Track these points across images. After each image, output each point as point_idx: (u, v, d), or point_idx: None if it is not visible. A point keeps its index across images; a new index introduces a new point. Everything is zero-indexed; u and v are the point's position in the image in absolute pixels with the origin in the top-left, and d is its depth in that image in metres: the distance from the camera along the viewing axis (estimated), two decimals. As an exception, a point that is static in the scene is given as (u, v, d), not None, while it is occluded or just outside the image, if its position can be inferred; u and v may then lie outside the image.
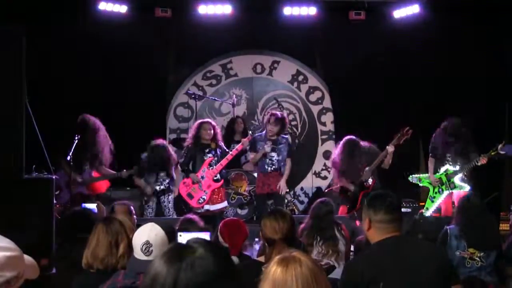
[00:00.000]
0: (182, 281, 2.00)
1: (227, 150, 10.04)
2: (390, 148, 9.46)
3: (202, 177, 9.91)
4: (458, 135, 9.45)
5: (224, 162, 9.89)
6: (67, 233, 5.58)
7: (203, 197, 9.87)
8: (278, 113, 10.21)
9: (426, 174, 9.87)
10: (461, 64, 11.76)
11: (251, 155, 10.19)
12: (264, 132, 10.04)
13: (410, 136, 9.55)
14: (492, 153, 9.10)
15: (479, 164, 9.19)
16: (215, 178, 9.92)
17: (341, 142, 9.73)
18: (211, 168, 9.91)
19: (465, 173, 9.43)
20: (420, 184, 9.94)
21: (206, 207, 9.89)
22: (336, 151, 9.81)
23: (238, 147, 10.00)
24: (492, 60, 11.81)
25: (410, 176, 9.94)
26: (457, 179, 9.40)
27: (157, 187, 9.91)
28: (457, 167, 9.40)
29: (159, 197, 9.93)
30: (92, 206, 7.12)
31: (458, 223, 6.70)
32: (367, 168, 9.63)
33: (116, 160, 10.06)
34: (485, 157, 9.11)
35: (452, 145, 9.51)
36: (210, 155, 9.93)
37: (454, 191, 9.43)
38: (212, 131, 9.88)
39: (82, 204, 7.59)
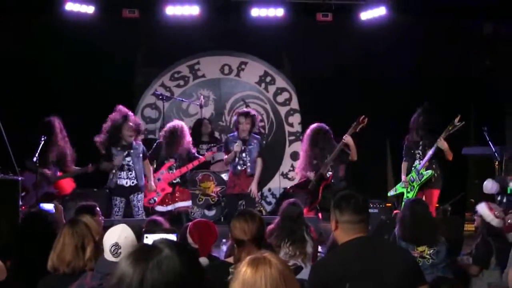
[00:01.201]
0: (148, 281, 2.01)
1: (194, 154, 10.02)
2: (346, 138, 9.54)
3: (158, 179, 9.90)
4: (429, 119, 9.52)
5: (183, 169, 9.93)
6: (23, 234, 5.53)
7: (154, 198, 9.88)
8: (249, 110, 10.29)
9: (400, 182, 9.90)
10: (426, 65, 11.90)
11: (224, 156, 10.19)
12: (236, 132, 10.03)
13: (365, 124, 9.61)
14: (450, 128, 9.15)
15: (439, 145, 9.21)
16: (172, 182, 9.91)
17: (307, 131, 9.86)
18: (170, 171, 9.90)
19: (432, 160, 9.43)
20: (397, 192, 9.92)
21: (169, 207, 9.89)
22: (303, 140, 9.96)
23: (201, 159, 10.02)
24: (456, 61, 11.95)
25: (388, 193, 9.98)
26: (422, 169, 9.45)
27: (125, 183, 9.68)
28: (424, 159, 9.46)
29: (128, 196, 9.71)
30: (49, 206, 7.04)
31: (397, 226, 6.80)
32: (326, 160, 9.72)
33: (82, 161, 9.98)
34: (445, 135, 9.16)
35: (423, 140, 9.56)
36: (172, 159, 9.92)
37: (425, 188, 9.44)
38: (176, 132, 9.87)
39: (39, 204, 7.51)
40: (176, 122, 10.13)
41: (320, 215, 8.84)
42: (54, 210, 6.76)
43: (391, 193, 9.95)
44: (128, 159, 9.64)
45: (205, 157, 10.14)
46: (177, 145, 9.84)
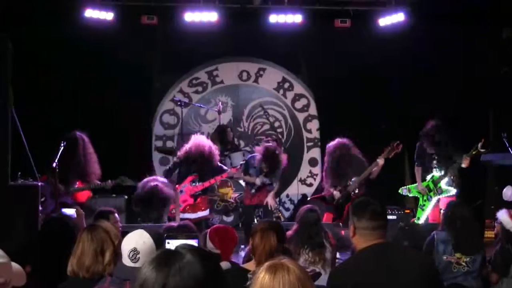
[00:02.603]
0: (170, 286, 2.01)
1: (219, 166, 10.02)
2: (380, 161, 9.53)
3: (181, 191, 9.90)
4: (441, 138, 9.46)
5: (206, 184, 9.88)
6: (43, 239, 5.54)
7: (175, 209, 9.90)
8: (272, 146, 10.14)
9: (415, 184, 9.84)
10: (444, 70, 11.84)
11: (242, 175, 10.14)
12: (258, 160, 9.98)
13: (400, 150, 9.61)
14: (474, 152, 9.11)
15: (463, 165, 9.21)
16: (194, 194, 9.92)
17: (332, 145, 9.82)
18: (192, 184, 9.90)
19: (451, 177, 9.43)
20: (410, 195, 9.92)
21: (187, 215, 9.88)
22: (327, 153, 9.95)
23: (224, 175, 9.98)
24: (475, 66, 11.89)
25: (400, 189, 9.95)
26: (443, 184, 9.37)
27: None
28: (443, 172, 9.41)
29: None
30: (71, 211, 7.04)
31: (445, 230, 6.73)
32: (354, 179, 9.67)
33: (101, 167, 10.00)
34: (467, 157, 9.13)
35: (437, 149, 9.51)
36: (194, 173, 9.90)
37: (441, 197, 9.40)
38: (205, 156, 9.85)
39: (62, 209, 7.51)
40: (202, 141, 10.03)
41: (343, 232, 8.80)
42: (75, 215, 6.78)
43: (403, 191, 9.91)
44: None
45: (228, 174, 10.08)
46: (206, 166, 9.90)
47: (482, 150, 9.06)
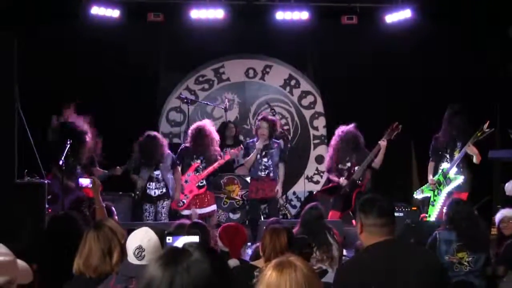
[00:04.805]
0: (177, 284, 2.00)
1: (218, 157, 10.01)
2: (383, 143, 9.56)
3: (186, 181, 9.93)
4: (456, 121, 9.44)
5: (210, 169, 9.95)
6: (49, 237, 5.54)
7: (183, 200, 9.91)
8: (267, 116, 10.39)
9: (426, 184, 9.79)
10: (451, 67, 11.81)
11: (245, 159, 10.17)
12: (256, 138, 10.07)
13: (400, 130, 9.61)
14: (479, 135, 9.09)
15: (469, 151, 9.18)
16: (199, 184, 9.93)
17: (336, 132, 9.91)
18: (196, 173, 9.92)
19: (459, 164, 9.38)
20: (424, 195, 9.87)
21: (196, 210, 9.90)
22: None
23: (226, 157, 10.04)
24: (482, 63, 11.85)
25: (414, 192, 9.93)
26: (451, 173, 9.35)
27: (153, 193, 9.79)
28: (452, 162, 9.39)
29: (157, 202, 9.81)
30: (87, 181, 6.97)
31: (449, 230, 6.71)
32: (357, 167, 9.68)
33: (109, 165, 10.00)
34: (473, 141, 9.10)
35: (451, 141, 9.49)
36: (197, 160, 9.94)
37: (450, 188, 9.34)
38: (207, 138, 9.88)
39: (79, 178, 7.46)
40: (199, 122, 10.24)
41: (353, 222, 8.81)
42: (91, 185, 6.72)
43: (417, 194, 9.87)
44: (157, 172, 9.77)
45: (230, 155, 10.14)
46: (205, 145, 9.87)
47: (487, 130, 9.03)
